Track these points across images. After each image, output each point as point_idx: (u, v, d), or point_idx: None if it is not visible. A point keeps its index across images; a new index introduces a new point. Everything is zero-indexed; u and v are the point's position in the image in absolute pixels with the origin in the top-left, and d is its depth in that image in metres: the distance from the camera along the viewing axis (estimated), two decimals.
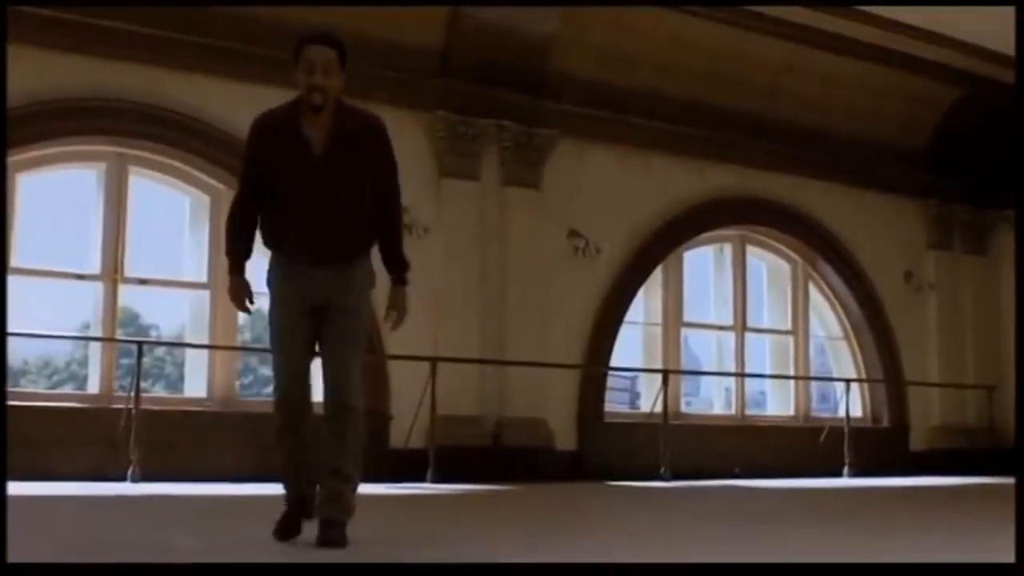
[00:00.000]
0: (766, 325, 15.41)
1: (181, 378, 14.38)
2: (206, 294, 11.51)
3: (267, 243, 5.34)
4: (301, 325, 5.25)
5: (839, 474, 13.93)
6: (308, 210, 5.20)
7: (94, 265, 11.05)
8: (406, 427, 11.45)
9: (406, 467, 11.22)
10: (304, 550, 4.97)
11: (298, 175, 5.17)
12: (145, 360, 11.73)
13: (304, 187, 5.17)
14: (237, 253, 5.36)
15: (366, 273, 5.39)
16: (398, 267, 5.43)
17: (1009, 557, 4.11)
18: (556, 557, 4.90)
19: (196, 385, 11.62)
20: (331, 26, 5.44)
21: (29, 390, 19.27)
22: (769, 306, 15.51)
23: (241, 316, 12.12)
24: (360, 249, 5.34)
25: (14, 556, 3.71)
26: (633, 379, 25.07)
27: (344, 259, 5.28)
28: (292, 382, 5.25)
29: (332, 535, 5.07)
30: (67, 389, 28.38)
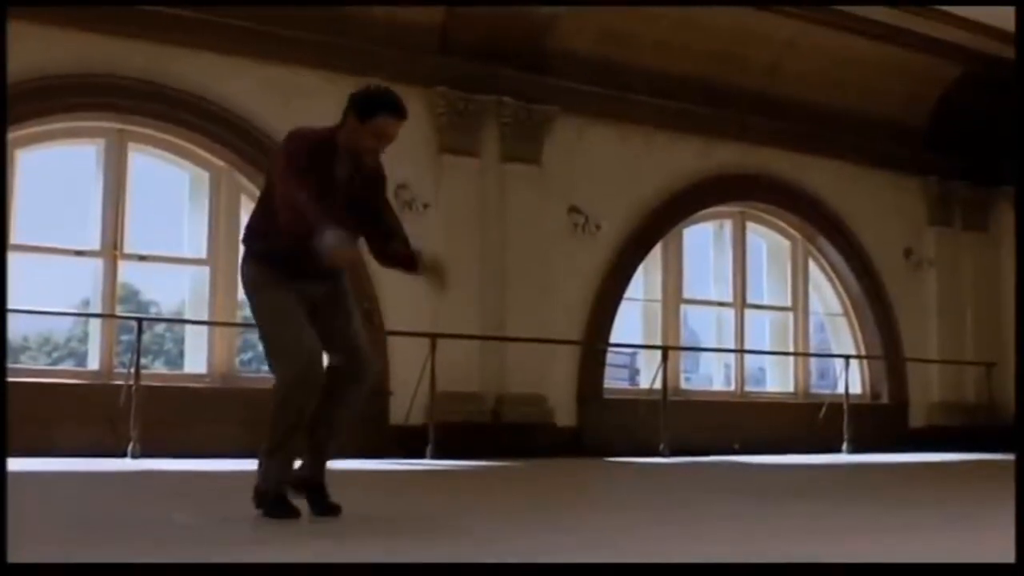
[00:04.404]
0: (766, 302, 15.42)
1: (181, 354, 14.38)
2: (206, 270, 11.51)
3: (271, 256, 5.27)
4: (299, 303, 5.25)
5: (838, 450, 13.96)
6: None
7: (94, 241, 11.05)
8: (406, 403, 11.48)
9: (406, 443, 11.25)
10: (303, 542, 4.96)
11: (323, 199, 5.17)
12: (145, 336, 11.74)
13: (324, 210, 5.18)
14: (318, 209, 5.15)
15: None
16: (413, 257, 5.55)
17: (1006, 541, 4.11)
18: (556, 542, 4.92)
19: (196, 361, 11.64)
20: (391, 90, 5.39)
21: (29, 366, 19.28)
22: (769, 283, 15.51)
23: (240, 293, 12.13)
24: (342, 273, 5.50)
25: (15, 534, 3.72)
26: (633, 355, 25.05)
27: (333, 274, 5.40)
28: (314, 350, 5.18)
29: (334, 503, 5.32)
30: (67, 366, 28.37)
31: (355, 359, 5.34)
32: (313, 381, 5.17)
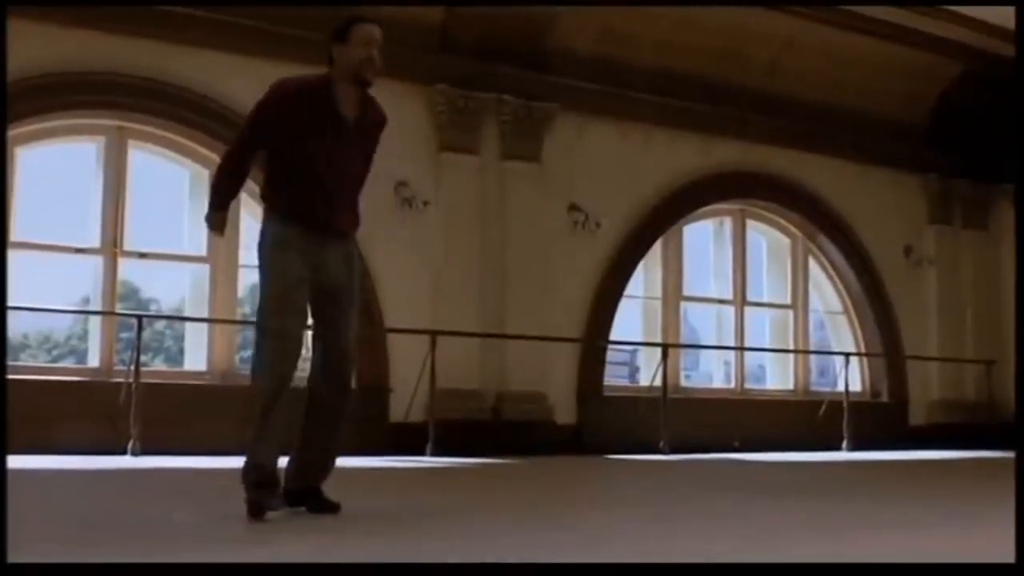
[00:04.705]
0: (766, 299, 15.42)
1: (181, 352, 14.38)
2: (206, 268, 11.51)
3: (280, 209, 5.30)
4: (302, 283, 5.25)
5: (838, 448, 13.96)
6: (331, 181, 5.31)
7: (94, 239, 11.05)
8: (406, 401, 11.48)
9: (406, 440, 11.25)
10: (303, 541, 4.96)
11: (329, 146, 5.29)
12: (145, 334, 11.73)
13: (332, 159, 5.30)
14: (228, 192, 5.46)
15: (358, 254, 5.54)
16: None
17: (1006, 539, 4.11)
18: (556, 540, 4.92)
19: (196, 359, 11.64)
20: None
21: (29, 364, 19.28)
22: (769, 280, 15.51)
23: (241, 289, 12.15)
24: (357, 225, 5.53)
25: (15, 533, 3.72)
26: (633, 353, 25.06)
27: (347, 233, 5.43)
28: (298, 319, 5.20)
29: (331, 502, 5.33)
30: (67, 363, 28.39)
31: (337, 367, 5.33)
32: (296, 342, 5.20)
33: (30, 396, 9.48)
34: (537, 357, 12.46)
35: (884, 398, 15.52)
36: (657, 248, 13.96)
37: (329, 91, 5.33)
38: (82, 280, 12.67)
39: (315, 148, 5.26)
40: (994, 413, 15.58)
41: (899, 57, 14.87)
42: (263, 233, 5.37)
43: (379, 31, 5.40)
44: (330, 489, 5.38)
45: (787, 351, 15.13)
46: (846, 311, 15.66)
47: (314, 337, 5.36)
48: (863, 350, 15.54)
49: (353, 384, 5.51)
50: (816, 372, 17.16)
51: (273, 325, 5.18)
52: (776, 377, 15.47)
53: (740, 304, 14.76)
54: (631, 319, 14.19)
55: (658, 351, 13.52)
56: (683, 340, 15.31)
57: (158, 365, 31.56)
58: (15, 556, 3.52)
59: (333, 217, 5.32)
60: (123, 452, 9.91)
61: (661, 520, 5.75)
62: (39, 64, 10.29)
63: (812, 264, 15.51)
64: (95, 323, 11.36)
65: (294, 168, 5.28)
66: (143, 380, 10.40)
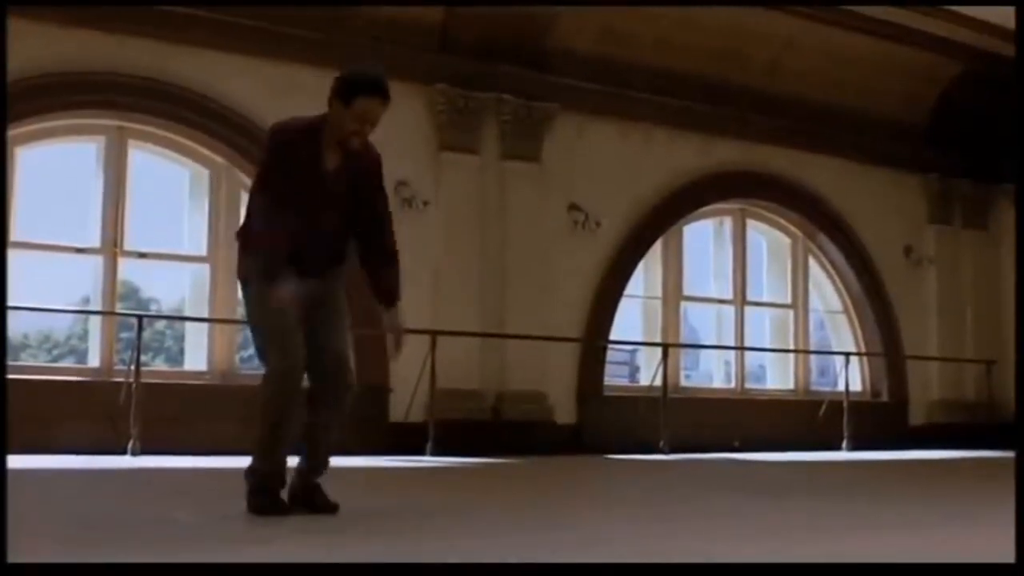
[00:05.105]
0: (766, 299, 15.41)
1: (181, 352, 14.39)
2: (206, 267, 11.52)
3: (257, 247, 5.28)
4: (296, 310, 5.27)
5: (838, 448, 13.96)
6: (311, 228, 5.26)
7: (94, 239, 11.05)
8: (406, 400, 11.48)
9: (406, 440, 11.25)
10: (303, 541, 4.96)
11: (311, 194, 5.23)
12: (145, 334, 11.73)
13: (312, 206, 5.25)
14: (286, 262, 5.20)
15: (343, 272, 5.50)
16: (392, 293, 5.45)
17: (1006, 539, 4.11)
18: (556, 540, 4.92)
19: (196, 358, 11.64)
20: (379, 68, 5.37)
21: (30, 364, 19.28)
22: (769, 280, 15.51)
23: (240, 289, 12.14)
24: (340, 264, 5.45)
25: (15, 533, 3.72)
26: (633, 352, 25.11)
27: (327, 271, 5.39)
28: (300, 352, 5.19)
29: (330, 501, 5.30)
30: (67, 363, 28.41)
31: (335, 374, 5.31)
32: (296, 380, 5.20)
33: (30, 396, 9.48)
34: (537, 357, 12.45)
35: (884, 398, 15.52)
36: (657, 248, 13.96)
37: (318, 142, 5.24)
38: (82, 280, 12.70)
39: (299, 196, 5.20)
40: (994, 413, 15.57)
41: (899, 57, 14.87)
42: (245, 267, 5.33)
43: (382, 107, 5.16)
44: (331, 489, 5.38)
45: (787, 351, 15.13)
46: (846, 311, 15.66)
47: (308, 341, 5.29)
48: (863, 350, 15.53)
49: (353, 374, 5.47)
50: (816, 372, 17.18)
51: (275, 334, 5.20)
52: (776, 377, 15.47)
53: (740, 304, 14.76)
54: (631, 319, 14.20)
55: (658, 351, 13.52)
56: (683, 340, 15.31)
57: (158, 365, 31.59)
58: (15, 556, 3.52)
59: (312, 261, 5.28)
60: (123, 452, 9.91)
61: (661, 520, 5.75)
62: (39, 64, 10.29)
63: (812, 264, 15.50)
64: (95, 323, 11.36)
65: (272, 211, 5.22)
66: (143, 380, 10.40)
